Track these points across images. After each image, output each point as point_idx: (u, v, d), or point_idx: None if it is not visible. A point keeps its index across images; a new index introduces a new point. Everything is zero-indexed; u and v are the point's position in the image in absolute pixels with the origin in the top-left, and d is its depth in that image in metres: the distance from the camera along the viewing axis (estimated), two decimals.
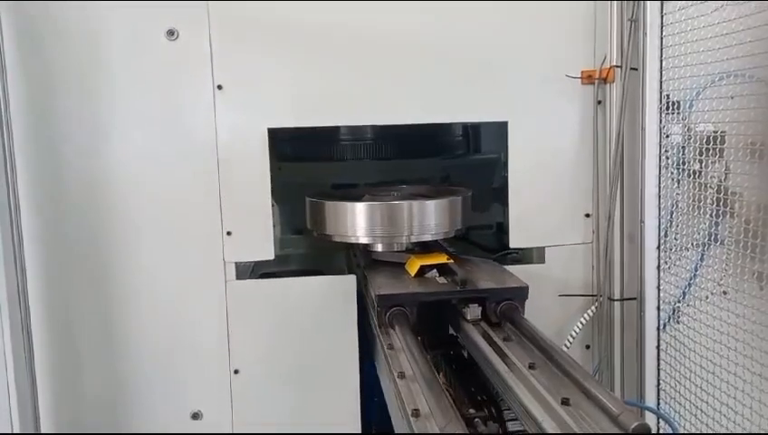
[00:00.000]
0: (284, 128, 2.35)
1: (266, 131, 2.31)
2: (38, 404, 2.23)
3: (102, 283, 2.33)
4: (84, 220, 2.30)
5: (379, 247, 2.41)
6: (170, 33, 2.25)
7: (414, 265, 2.19)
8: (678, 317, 2.25)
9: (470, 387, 1.89)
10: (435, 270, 2.18)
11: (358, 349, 2.42)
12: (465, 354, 2.10)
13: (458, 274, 2.07)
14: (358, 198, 2.43)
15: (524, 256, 2.62)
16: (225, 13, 2.26)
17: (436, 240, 2.42)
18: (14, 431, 2.12)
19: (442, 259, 2.21)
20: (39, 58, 2.21)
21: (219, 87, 2.29)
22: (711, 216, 2.06)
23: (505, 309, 1.96)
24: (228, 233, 2.35)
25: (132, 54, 2.25)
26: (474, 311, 1.98)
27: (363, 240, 2.35)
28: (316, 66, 2.33)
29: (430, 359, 1.77)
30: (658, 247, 2.29)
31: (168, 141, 2.30)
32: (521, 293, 2.00)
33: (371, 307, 2.12)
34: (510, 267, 2.43)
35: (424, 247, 2.38)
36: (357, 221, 2.33)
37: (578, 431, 1.33)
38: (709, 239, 2.09)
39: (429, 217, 2.32)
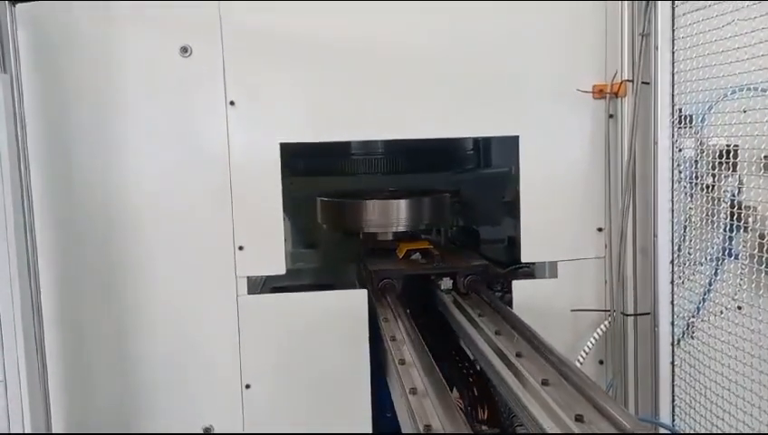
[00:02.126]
0: (296, 143, 2.36)
1: (279, 146, 2.33)
2: (50, 411, 2.23)
3: (114, 296, 2.34)
4: (97, 235, 2.31)
5: (376, 236, 2.82)
6: (184, 49, 2.27)
7: (402, 250, 2.71)
8: (693, 332, 2.23)
9: (450, 350, 2.37)
10: (418, 253, 2.69)
11: (369, 364, 2.42)
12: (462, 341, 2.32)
13: (436, 256, 2.60)
14: (359, 197, 2.80)
15: (536, 271, 2.60)
16: (237, 29, 2.28)
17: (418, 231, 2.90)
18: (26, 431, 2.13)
19: (424, 245, 2.73)
20: (54, 73, 2.24)
21: (232, 103, 2.31)
22: (724, 230, 2.05)
23: (471, 282, 2.46)
24: (240, 247, 2.36)
25: (146, 71, 2.28)
26: (446, 283, 2.53)
27: (364, 230, 2.80)
28: (328, 81, 2.35)
29: (416, 327, 2.05)
30: (672, 262, 2.28)
31: (181, 156, 2.32)
32: (482, 269, 2.51)
33: (368, 282, 2.52)
34: (521, 282, 2.50)
35: (412, 237, 2.84)
36: (358, 215, 2.77)
37: None
38: (723, 254, 2.08)
39: (410, 211, 2.78)
